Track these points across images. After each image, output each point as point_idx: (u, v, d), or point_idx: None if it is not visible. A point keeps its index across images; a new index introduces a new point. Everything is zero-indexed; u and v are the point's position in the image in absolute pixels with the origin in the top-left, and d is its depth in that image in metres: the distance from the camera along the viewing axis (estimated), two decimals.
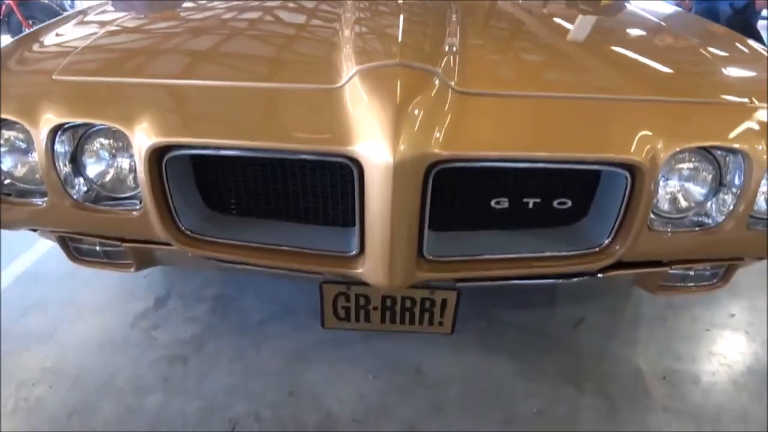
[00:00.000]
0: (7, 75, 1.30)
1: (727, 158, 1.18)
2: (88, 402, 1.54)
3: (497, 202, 1.27)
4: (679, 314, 1.99)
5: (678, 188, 1.22)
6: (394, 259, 1.12)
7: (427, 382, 1.65)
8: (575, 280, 1.36)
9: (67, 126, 1.18)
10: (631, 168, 1.11)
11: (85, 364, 1.68)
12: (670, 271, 1.38)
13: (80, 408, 1.52)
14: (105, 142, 1.22)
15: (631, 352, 1.80)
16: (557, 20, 1.80)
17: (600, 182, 1.25)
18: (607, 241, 1.21)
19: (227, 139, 1.10)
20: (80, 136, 1.21)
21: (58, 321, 1.87)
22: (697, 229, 1.24)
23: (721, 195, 1.22)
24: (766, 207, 1.25)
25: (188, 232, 1.24)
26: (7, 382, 1.60)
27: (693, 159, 1.19)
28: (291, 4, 1.83)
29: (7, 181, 1.29)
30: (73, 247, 1.46)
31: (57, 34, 1.53)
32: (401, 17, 1.50)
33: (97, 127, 1.19)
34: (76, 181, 1.25)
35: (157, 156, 1.13)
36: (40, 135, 1.17)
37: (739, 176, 1.18)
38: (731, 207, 1.20)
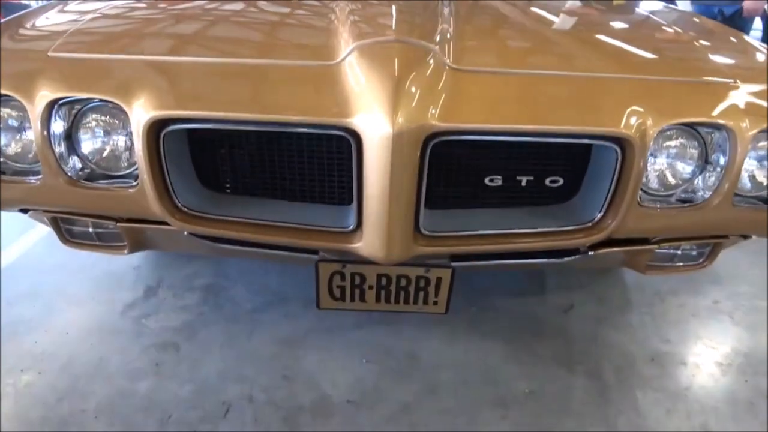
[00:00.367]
0: (2, 52, 1.29)
1: (713, 135, 1.22)
2: (79, 387, 1.52)
3: (491, 180, 1.29)
4: (666, 301, 2.03)
5: (666, 166, 1.25)
6: (391, 231, 1.14)
7: (420, 366, 1.66)
8: (567, 259, 1.39)
9: (62, 102, 1.18)
10: (621, 143, 1.14)
11: (75, 350, 1.66)
12: (658, 250, 1.42)
13: (70, 392, 1.50)
14: (101, 118, 1.22)
15: (620, 336, 1.83)
16: (548, 15, 1.83)
17: (591, 160, 1.28)
18: (599, 216, 1.24)
19: (225, 111, 1.11)
20: (76, 113, 1.21)
21: (47, 310, 1.85)
22: (685, 205, 1.27)
23: (707, 173, 1.25)
24: (750, 185, 1.29)
25: (184, 209, 1.24)
26: None
27: (680, 137, 1.22)
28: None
29: (0, 160, 1.28)
30: (66, 229, 1.45)
31: (46, 18, 1.53)
32: (394, 8, 1.53)
33: (92, 104, 1.19)
34: (70, 158, 1.24)
35: (155, 130, 1.14)
36: (36, 110, 1.16)
37: (724, 154, 1.21)
38: (717, 184, 1.24)
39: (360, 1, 1.64)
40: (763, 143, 1.25)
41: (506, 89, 1.18)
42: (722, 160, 1.22)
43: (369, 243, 1.18)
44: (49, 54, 1.24)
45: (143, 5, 1.64)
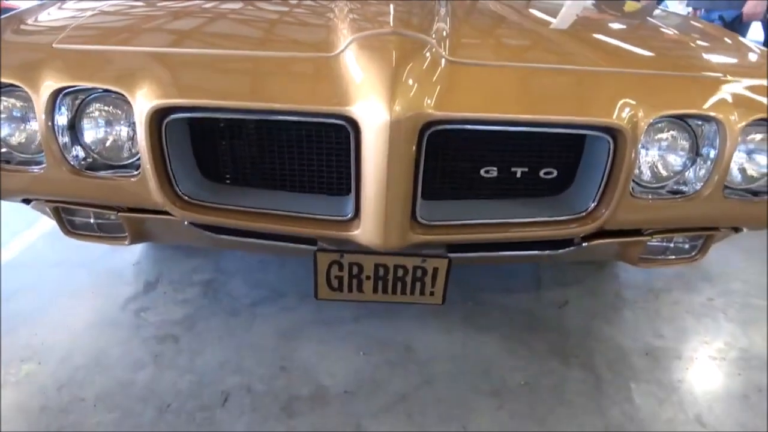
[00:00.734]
0: (5, 45, 1.31)
1: (703, 128, 1.25)
2: (78, 376, 1.54)
3: (486, 171, 1.32)
4: (659, 298, 2.06)
5: (658, 158, 1.28)
6: (388, 218, 1.16)
7: (417, 359, 1.67)
8: (561, 251, 1.41)
9: (66, 92, 1.20)
10: (613, 133, 1.17)
11: (75, 342, 1.68)
12: (650, 243, 1.44)
13: (70, 382, 1.52)
14: (104, 108, 1.24)
15: (614, 331, 1.85)
16: (544, 15, 1.86)
17: (584, 152, 1.31)
18: (592, 206, 1.26)
19: (226, 100, 1.13)
20: (79, 103, 1.23)
21: (47, 304, 1.87)
22: (676, 197, 1.30)
23: (698, 165, 1.28)
24: (740, 178, 1.32)
25: (185, 197, 1.26)
26: None
27: (671, 129, 1.25)
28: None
29: (3, 150, 1.30)
30: (67, 220, 1.47)
31: (48, 13, 1.55)
32: (392, 6, 1.56)
33: (96, 94, 1.22)
34: (73, 148, 1.26)
35: (158, 119, 1.16)
36: (41, 100, 1.18)
37: (714, 146, 1.24)
38: (707, 176, 1.27)
39: (359, 1, 1.67)
40: (752, 136, 1.28)
41: (501, 81, 1.20)
42: (712, 153, 1.25)
43: (366, 230, 1.20)
44: (54, 45, 1.26)
45: (143, 3, 1.67)
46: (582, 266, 2.20)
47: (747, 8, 3.29)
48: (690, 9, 3.72)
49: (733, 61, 1.50)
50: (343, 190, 1.33)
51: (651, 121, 1.18)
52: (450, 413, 1.48)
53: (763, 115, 1.23)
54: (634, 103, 1.18)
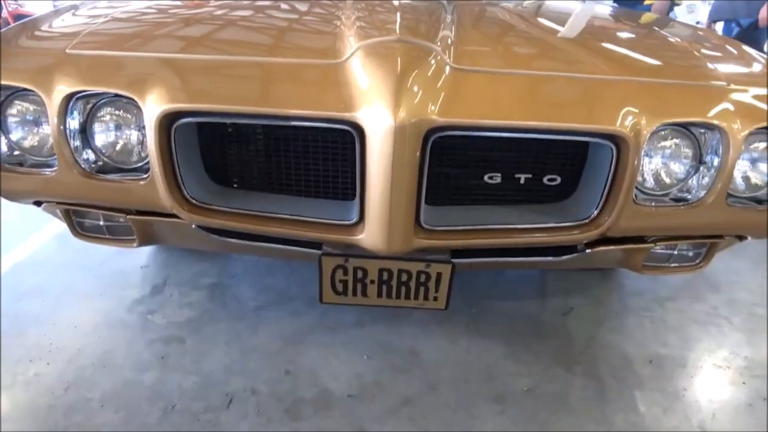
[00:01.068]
0: (19, 50, 1.35)
1: (706, 136, 1.26)
2: (85, 376, 1.56)
3: (490, 177, 1.33)
4: (664, 306, 2.05)
5: (661, 165, 1.28)
6: (392, 223, 1.17)
7: (421, 364, 1.68)
8: (565, 257, 1.42)
9: (79, 96, 1.23)
10: (616, 141, 1.18)
11: (82, 343, 1.70)
12: (654, 250, 1.45)
13: (77, 382, 1.54)
14: (115, 113, 1.27)
15: (619, 338, 1.85)
16: (550, 23, 1.88)
17: (587, 159, 1.32)
18: (595, 213, 1.27)
19: (234, 105, 1.15)
20: (91, 107, 1.26)
21: (55, 305, 1.89)
22: (679, 204, 1.30)
23: (701, 173, 1.29)
24: (744, 186, 1.32)
25: (193, 201, 1.28)
26: (5, 360, 1.62)
27: (674, 137, 1.26)
28: (291, 5, 1.90)
29: (16, 153, 1.33)
30: (77, 222, 1.49)
31: (61, 20, 1.59)
32: (398, 14, 1.58)
33: (107, 98, 1.24)
34: (85, 151, 1.29)
35: (167, 124, 1.18)
36: (54, 104, 1.21)
37: (717, 154, 1.25)
38: (710, 184, 1.27)
39: (365, 10, 1.70)
40: (756, 144, 1.28)
41: (505, 88, 1.22)
42: (716, 161, 1.26)
43: (371, 235, 1.21)
44: (67, 51, 1.29)
45: (155, 10, 1.70)
46: (587, 274, 2.20)
47: (763, 13, 3.29)
48: (705, 22, 3.75)
49: (737, 69, 1.51)
50: (349, 195, 1.35)
51: (654, 128, 1.19)
52: (453, 418, 1.48)
53: (766, 124, 1.23)
54: (636, 111, 1.19)
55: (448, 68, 1.20)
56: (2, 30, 1.49)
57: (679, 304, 2.07)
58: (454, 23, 1.57)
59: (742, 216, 1.33)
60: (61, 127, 1.23)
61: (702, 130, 1.25)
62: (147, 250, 2.26)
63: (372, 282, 1.39)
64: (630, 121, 1.18)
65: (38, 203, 1.45)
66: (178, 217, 1.31)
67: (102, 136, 1.28)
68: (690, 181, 1.30)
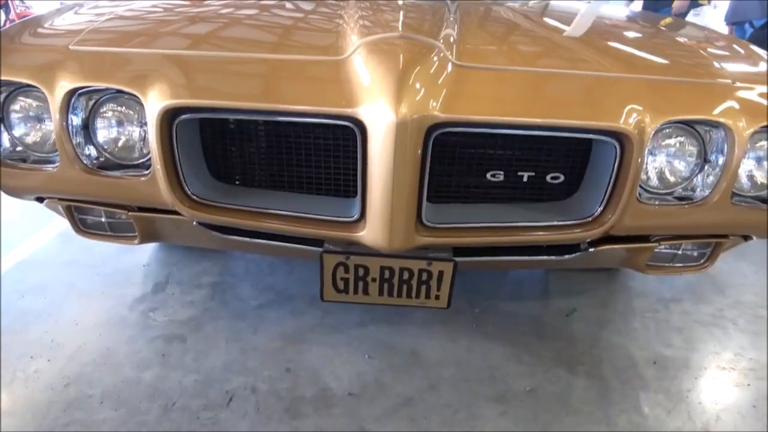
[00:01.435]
0: (21, 46, 1.35)
1: (711, 134, 1.24)
2: (86, 374, 1.56)
3: (493, 175, 1.32)
4: (669, 308, 2.04)
5: (665, 164, 1.27)
6: (394, 220, 1.17)
7: (422, 363, 1.67)
8: (568, 256, 1.41)
9: (81, 92, 1.23)
10: (620, 138, 1.17)
11: (84, 340, 1.70)
12: (658, 250, 1.44)
13: (78, 379, 1.54)
14: (117, 109, 1.27)
15: (622, 339, 1.83)
16: (553, 22, 1.87)
17: (591, 157, 1.31)
18: (598, 211, 1.26)
19: (235, 101, 1.15)
20: (93, 104, 1.26)
21: (57, 303, 1.89)
22: (683, 203, 1.29)
23: (706, 171, 1.28)
24: (749, 185, 1.31)
25: (194, 197, 1.28)
26: (6, 356, 1.62)
27: (678, 135, 1.25)
28: (295, 4, 1.90)
29: (18, 149, 1.33)
30: (79, 219, 1.49)
31: (63, 18, 1.59)
32: (401, 13, 1.58)
33: (109, 94, 1.24)
34: (87, 147, 1.29)
35: (168, 120, 1.18)
36: (56, 100, 1.21)
37: (722, 153, 1.24)
38: (715, 183, 1.26)
39: (368, 9, 1.69)
40: (761, 143, 1.27)
41: (507, 85, 1.21)
42: (721, 160, 1.24)
43: (372, 232, 1.21)
44: (70, 47, 1.29)
45: (158, 8, 1.70)
46: (591, 275, 2.19)
47: None
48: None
49: (743, 68, 1.49)
50: (350, 192, 1.34)
51: (658, 126, 1.18)
52: (454, 418, 1.47)
53: None
54: (641, 108, 1.18)
55: (450, 65, 1.19)
56: (5, 28, 1.49)
57: (683, 305, 2.05)
58: (457, 22, 1.57)
59: (747, 215, 1.32)
60: (64, 123, 1.23)
61: (707, 128, 1.24)
62: (149, 249, 2.26)
63: (373, 280, 1.39)
64: (634, 118, 1.17)
65: (40, 199, 1.45)
66: (179, 214, 1.31)
67: (104, 132, 1.28)
68: (694, 180, 1.29)
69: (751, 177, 1.30)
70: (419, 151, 1.12)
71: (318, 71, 1.22)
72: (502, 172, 1.32)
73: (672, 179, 1.29)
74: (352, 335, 1.78)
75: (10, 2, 6.38)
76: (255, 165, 1.37)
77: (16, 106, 1.29)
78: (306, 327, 1.81)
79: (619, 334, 1.86)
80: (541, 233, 1.29)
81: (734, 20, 3.69)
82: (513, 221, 1.30)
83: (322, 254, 1.35)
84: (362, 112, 1.10)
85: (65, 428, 1.38)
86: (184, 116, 1.18)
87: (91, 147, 1.29)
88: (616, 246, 1.38)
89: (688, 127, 1.24)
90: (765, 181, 1.30)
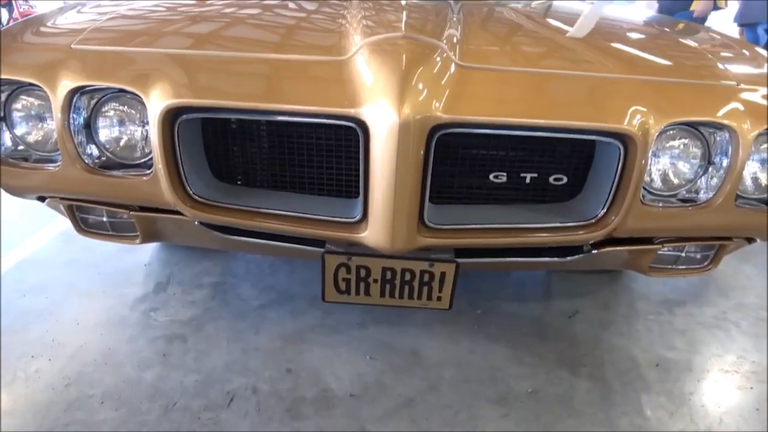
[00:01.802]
0: (23, 45, 1.35)
1: (715, 136, 1.24)
2: (87, 373, 1.55)
3: (496, 176, 1.32)
4: (672, 310, 2.03)
5: (669, 165, 1.27)
6: (396, 221, 1.16)
7: (423, 364, 1.66)
8: (570, 258, 1.40)
9: (83, 91, 1.22)
10: (623, 140, 1.17)
11: (84, 340, 1.69)
12: (661, 252, 1.43)
13: (78, 379, 1.53)
14: (119, 108, 1.26)
15: (625, 341, 1.82)
16: (557, 23, 1.86)
17: (594, 158, 1.31)
18: (601, 213, 1.26)
19: (237, 101, 1.15)
20: (95, 103, 1.25)
21: (57, 302, 1.89)
22: (687, 205, 1.28)
23: (710, 173, 1.27)
24: (753, 187, 1.30)
25: (196, 197, 1.28)
26: (6, 355, 1.61)
27: (683, 136, 1.24)
28: (298, 4, 1.90)
29: (20, 147, 1.33)
30: (81, 218, 1.49)
31: (66, 17, 1.59)
32: (405, 13, 1.57)
33: (111, 94, 1.24)
34: (88, 147, 1.29)
35: (170, 119, 1.18)
36: (58, 99, 1.21)
37: (726, 155, 1.23)
38: (719, 185, 1.25)
39: (371, 9, 1.69)
40: (765, 145, 1.27)
41: (511, 86, 1.21)
42: (725, 162, 1.24)
43: (374, 233, 1.20)
44: (72, 46, 1.29)
45: (161, 7, 1.70)
46: (594, 277, 2.18)
47: None
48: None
49: (748, 70, 1.49)
50: (353, 192, 1.34)
51: (662, 128, 1.18)
52: (455, 419, 1.47)
53: None
54: (645, 109, 1.18)
55: (453, 65, 1.19)
56: (6, 27, 1.49)
57: (687, 308, 2.04)
58: (460, 22, 1.56)
59: (752, 217, 1.31)
60: (65, 122, 1.23)
61: (711, 130, 1.23)
62: (150, 248, 2.25)
63: (375, 281, 1.38)
64: (638, 119, 1.16)
65: (42, 199, 1.45)
66: (181, 214, 1.31)
67: (106, 132, 1.27)
68: (698, 182, 1.28)
69: (755, 179, 1.30)
70: (422, 152, 1.11)
71: (320, 71, 1.21)
72: (504, 173, 1.32)
73: (676, 181, 1.28)
74: (352, 336, 1.77)
75: (13, 1, 6.39)
76: (257, 165, 1.36)
77: (17, 105, 1.28)
78: (307, 327, 1.81)
79: (621, 336, 1.85)
80: (544, 235, 1.28)
81: (744, 21, 3.69)
82: (515, 222, 1.29)
83: (323, 255, 1.34)
84: (365, 113, 1.10)
85: (66, 428, 1.38)
86: (186, 116, 1.17)
87: (93, 146, 1.29)
88: (618, 248, 1.37)
89: (693, 128, 1.23)
90: None
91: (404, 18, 1.46)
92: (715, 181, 1.27)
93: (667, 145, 1.25)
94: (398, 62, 1.11)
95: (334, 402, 1.50)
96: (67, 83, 1.21)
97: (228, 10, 1.66)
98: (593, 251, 1.37)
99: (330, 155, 1.30)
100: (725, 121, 1.19)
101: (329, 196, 1.36)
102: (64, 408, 1.43)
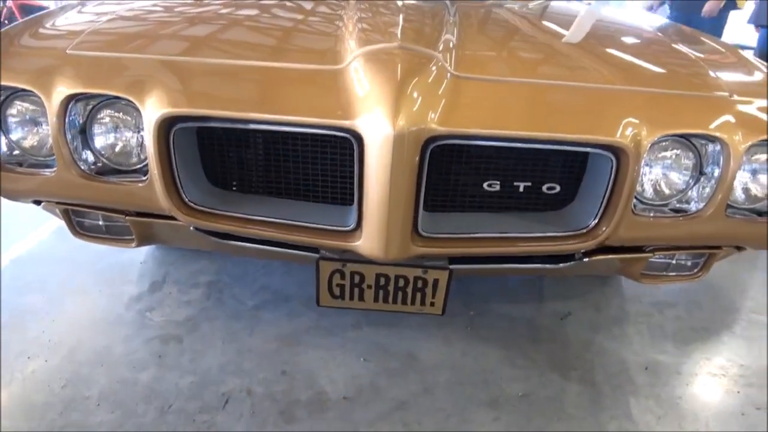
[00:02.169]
0: (20, 50, 1.34)
1: (707, 147, 1.25)
2: (83, 374, 1.57)
3: (489, 185, 1.33)
4: (663, 313, 2.05)
5: (661, 176, 1.28)
6: (390, 231, 1.17)
7: (417, 367, 1.68)
8: (562, 265, 1.42)
9: (78, 98, 1.23)
10: (616, 152, 1.18)
11: (80, 340, 1.71)
12: (652, 259, 1.45)
13: (75, 379, 1.55)
14: (114, 114, 1.27)
15: (615, 344, 1.85)
16: (556, 28, 1.86)
17: (587, 169, 1.32)
18: (593, 223, 1.27)
19: (234, 111, 1.15)
20: (91, 109, 1.26)
21: (54, 300, 1.90)
22: (678, 215, 1.30)
23: (702, 184, 1.28)
24: (744, 197, 1.32)
25: (191, 204, 1.28)
26: (3, 355, 1.62)
27: (675, 147, 1.25)
28: (295, 4, 1.89)
29: (15, 152, 1.33)
30: (76, 222, 1.49)
31: (65, 18, 1.58)
32: (401, 17, 1.57)
33: (107, 100, 1.24)
34: (84, 152, 1.29)
35: (166, 127, 1.18)
36: (53, 105, 1.21)
37: (718, 165, 1.24)
38: (710, 195, 1.27)
39: (368, 11, 1.69)
40: (756, 156, 1.28)
41: (505, 97, 1.21)
42: (716, 172, 1.25)
43: (368, 241, 1.21)
44: (68, 52, 1.29)
45: (158, 9, 1.69)
46: (586, 279, 2.20)
47: None
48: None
49: (740, 80, 1.49)
50: (347, 199, 1.35)
51: (654, 139, 1.19)
52: (447, 423, 1.49)
53: (767, 136, 1.23)
54: (637, 121, 1.18)
55: (449, 75, 1.19)
56: (6, 27, 1.49)
57: (677, 310, 2.06)
58: (456, 25, 1.56)
59: (742, 227, 1.33)
60: (61, 129, 1.23)
61: (703, 142, 1.25)
62: (146, 247, 2.26)
63: (369, 287, 1.40)
64: (630, 132, 1.17)
65: (38, 202, 1.45)
66: (176, 219, 1.32)
67: (101, 138, 1.28)
68: (690, 192, 1.30)
69: (746, 190, 1.31)
70: (416, 163, 1.12)
71: (315, 80, 1.21)
72: (498, 182, 1.33)
73: (667, 191, 1.29)
74: (347, 337, 1.79)
75: None
76: (252, 171, 1.37)
77: (13, 110, 1.29)
78: (302, 329, 1.82)
79: (612, 339, 1.87)
80: (536, 244, 1.29)
81: (759, 22, 3.69)
82: (508, 231, 1.30)
83: (318, 261, 1.35)
84: (359, 124, 1.10)
85: (62, 429, 1.39)
86: (181, 125, 1.18)
87: (89, 152, 1.29)
88: (610, 256, 1.39)
89: (685, 140, 1.24)
90: (759, 194, 1.31)
91: (400, 22, 1.46)
92: (706, 191, 1.28)
93: (659, 155, 1.26)
94: (393, 73, 1.12)
95: (328, 405, 1.52)
96: (62, 90, 1.21)
97: (225, 11, 1.66)
98: (585, 259, 1.39)
99: (325, 163, 1.31)
100: (717, 134, 1.20)
101: (324, 202, 1.37)
102: (61, 410, 1.45)
